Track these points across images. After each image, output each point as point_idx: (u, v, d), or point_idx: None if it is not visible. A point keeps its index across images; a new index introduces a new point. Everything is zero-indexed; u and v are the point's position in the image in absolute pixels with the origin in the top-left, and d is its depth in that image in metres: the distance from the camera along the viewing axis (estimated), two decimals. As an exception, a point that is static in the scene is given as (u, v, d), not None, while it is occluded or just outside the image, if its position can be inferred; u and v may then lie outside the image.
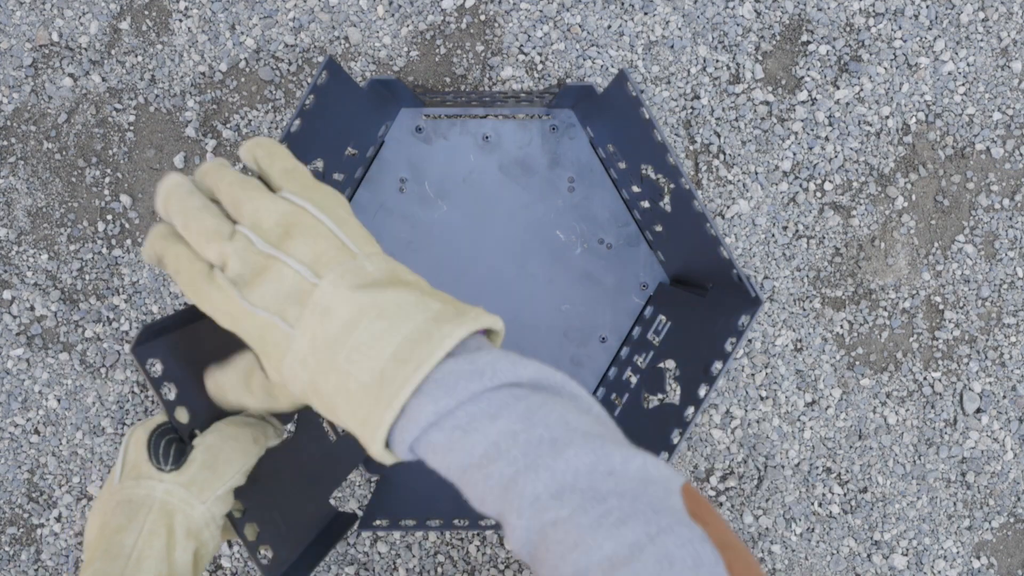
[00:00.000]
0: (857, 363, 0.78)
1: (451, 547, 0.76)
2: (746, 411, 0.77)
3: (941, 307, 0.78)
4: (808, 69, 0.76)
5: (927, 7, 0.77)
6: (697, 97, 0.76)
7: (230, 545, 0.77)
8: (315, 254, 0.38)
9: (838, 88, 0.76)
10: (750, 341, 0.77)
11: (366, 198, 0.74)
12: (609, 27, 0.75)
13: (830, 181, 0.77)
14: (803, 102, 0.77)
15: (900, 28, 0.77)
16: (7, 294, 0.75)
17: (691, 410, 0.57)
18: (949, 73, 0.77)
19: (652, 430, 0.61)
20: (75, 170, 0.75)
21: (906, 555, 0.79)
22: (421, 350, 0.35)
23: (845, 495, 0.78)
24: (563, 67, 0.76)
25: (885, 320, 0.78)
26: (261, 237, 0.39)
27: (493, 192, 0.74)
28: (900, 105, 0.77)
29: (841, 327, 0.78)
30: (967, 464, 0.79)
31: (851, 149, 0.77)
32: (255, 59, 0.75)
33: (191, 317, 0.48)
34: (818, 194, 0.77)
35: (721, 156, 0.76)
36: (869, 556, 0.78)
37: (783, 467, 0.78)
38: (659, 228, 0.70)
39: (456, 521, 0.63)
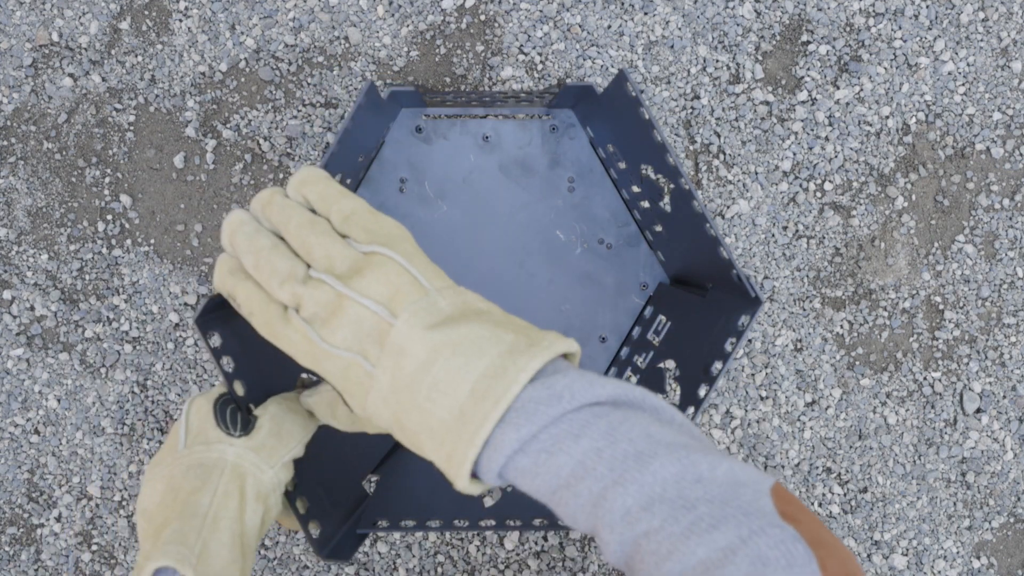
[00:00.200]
0: (857, 363, 0.78)
1: (451, 547, 0.76)
2: (746, 411, 0.77)
3: (941, 307, 0.78)
4: (808, 69, 0.76)
5: (927, 7, 0.77)
6: (697, 97, 0.76)
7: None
8: (390, 293, 0.39)
9: (838, 88, 0.76)
10: (750, 341, 0.77)
11: (366, 198, 0.74)
12: (609, 27, 0.75)
13: (830, 181, 0.77)
14: (803, 102, 0.77)
15: (900, 28, 0.77)
16: (7, 294, 0.75)
17: (691, 410, 0.57)
18: (949, 73, 0.77)
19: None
20: (75, 170, 0.75)
21: (906, 555, 0.79)
22: (498, 386, 0.36)
23: (845, 495, 0.78)
24: (563, 67, 0.76)
25: (885, 320, 0.78)
26: (335, 278, 0.40)
27: (493, 192, 0.74)
28: (900, 105, 0.77)
29: (841, 327, 0.78)
30: (967, 464, 0.79)
31: (851, 149, 0.77)
32: (255, 59, 0.75)
33: None
34: (818, 194, 0.77)
35: (721, 156, 0.76)
36: (869, 556, 0.78)
37: (783, 467, 0.78)
38: (659, 228, 0.70)
39: (456, 521, 0.63)
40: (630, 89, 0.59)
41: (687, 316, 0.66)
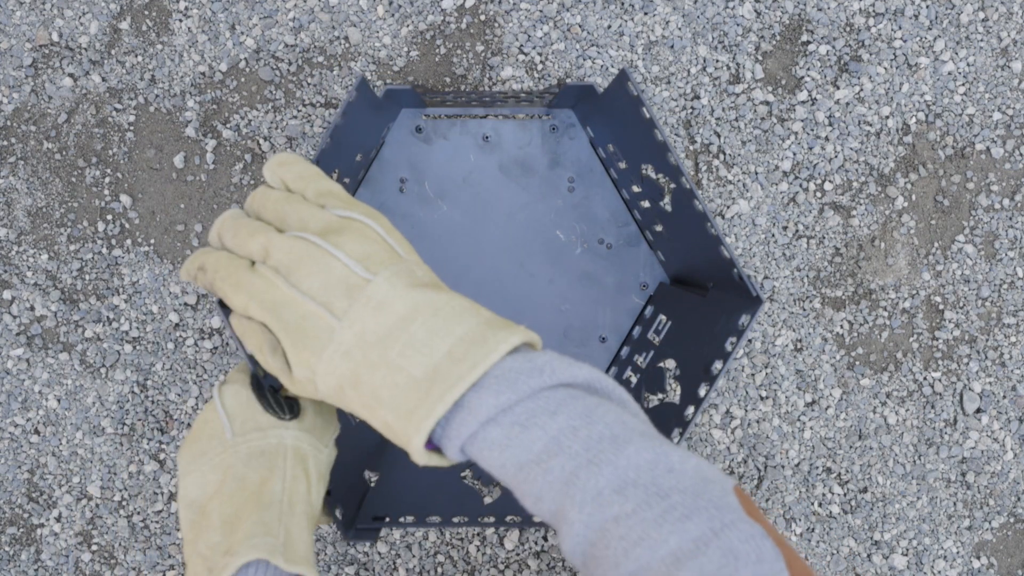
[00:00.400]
0: (857, 363, 0.78)
1: (451, 547, 0.76)
2: (746, 411, 0.77)
3: (941, 307, 0.78)
4: (808, 69, 0.76)
5: (927, 7, 0.77)
6: (697, 97, 0.76)
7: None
8: (366, 252, 0.39)
9: (838, 88, 0.76)
10: (750, 341, 0.77)
11: (366, 198, 0.74)
12: (609, 27, 0.75)
13: (830, 181, 0.77)
14: (803, 102, 0.77)
15: (900, 28, 0.77)
16: (7, 294, 0.75)
17: (691, 410, 0.57)
18: (949, 73, 0.77)
19: (652, 430, 0.61)
20: (75, 170, 0.75)
21: (906, 555, 0.79)
22: (477, 351, 0.36)
23: (845, 495, 0.78)
24: (563, 67, 0.76)
25: (885, 320, 0.78)
26: (310, 233, 0.40)
27: (493, 192, 0.74)
28: (900, 105, 0.77)
29: (841, 327, 0.78)
30: (967, 464, 0.79)
31: (851, 149, 0.77)
32: (255, 59, 0.75)
33: None
34: (818, 194, 0.77)
35: (721, 156, 0.76)
36: (869, 556, 0.78)
37: (783, 467, 0.78)
38: (659, 228, 0.70)
39: (455, 519, 0.63)
40: (631, 88, 0.59)
41: (687, 316, 0.66)
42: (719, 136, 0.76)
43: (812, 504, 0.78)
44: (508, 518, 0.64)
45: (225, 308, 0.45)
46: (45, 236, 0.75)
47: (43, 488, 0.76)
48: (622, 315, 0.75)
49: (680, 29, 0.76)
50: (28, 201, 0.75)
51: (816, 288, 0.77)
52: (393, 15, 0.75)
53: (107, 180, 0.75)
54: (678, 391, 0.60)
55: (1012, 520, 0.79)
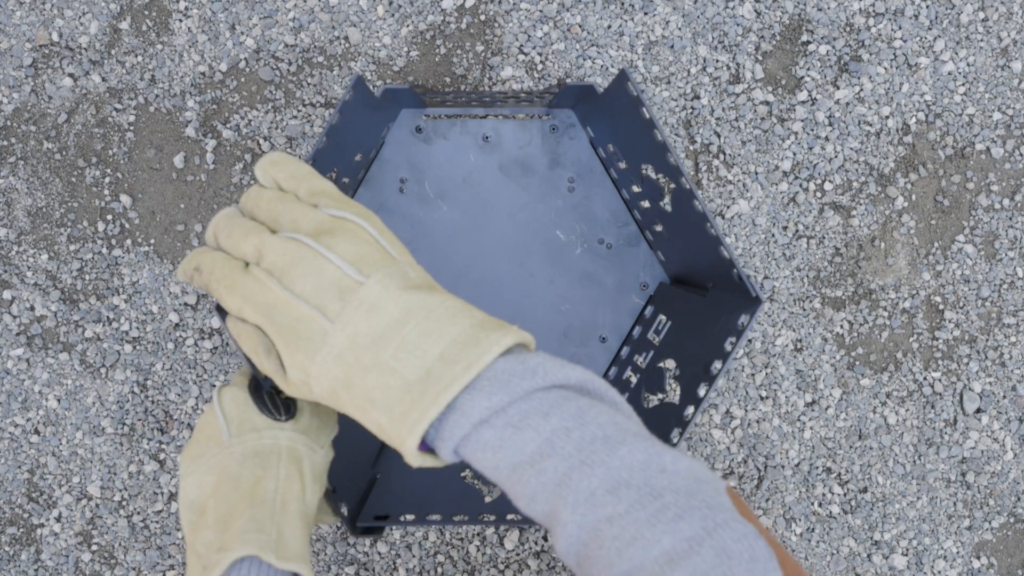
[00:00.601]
0: (857, 363, 0.78)
1: (451, 547, 0.76)
2: (746, 411, 0.77)
3: (941, 307, 0.78)
4: (808, 69, 0.76)
5: (927, 7, 0.77)
6: (697, 97, 0.76)
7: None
8: (358, 254, 0.39)
9: (838, 88, 0.76)
10: (750, 341, 0.77)
11: (366, 198, 0.74)
12: (609, 27, 0.75)
13: (830, 181, 0.77)
14: (803, 102, 0.77)
15: (900, 28, 0.77)
16: (7, 294, 0.75)
17: (691, 409, 0.57)
18: (949, 73, 0.77)
19: (652, 429, 0.61)
20: (75, 170, 0.75)
21: (906, 555, 0.79)
22: (470, 352, 0.36)
23: (845, 495, 0.78)
24: (563, 67, 0.76)
25: (885, 320, 0.78)
26: (302, 235, 0.40)
27: (493, 192, 0.74)
28: (900, 105, 0.77)
29: (841, 327, 0.78)
30: (967, 464, 0.79)
31: (851, 149, 0.77)
32: (255, 59, 0.75)
33: None
34: (818, 194, 0.77)
35: (721, 156, 0.76)
36: (869, 556, 0.78)
37: (783, 467, 0.78)
38: (659, 228, 0.70)
39: (456, 517, 0.63)
40: (631, 88, 0.59)
41: (687, 316, 0.66)
42: (719, 136, 0.76)
43: (812, 504, 0.78)
44: (509, 516, 0.64)
45: (223, 310, 0.45)
46: (45, 236, 0.75)
47: (43, 488, 0.76)
48: (622, 315, 0.75)
49: (680, 29, 0.76)
50: (28, 201, 0.75)
51: (816, 288, 0.77)
52: (393, 15, 0.75)
53: (107, 180, 0.75)
54: (678, 391, 0.60)
55: (1012, 520, 0.79)
